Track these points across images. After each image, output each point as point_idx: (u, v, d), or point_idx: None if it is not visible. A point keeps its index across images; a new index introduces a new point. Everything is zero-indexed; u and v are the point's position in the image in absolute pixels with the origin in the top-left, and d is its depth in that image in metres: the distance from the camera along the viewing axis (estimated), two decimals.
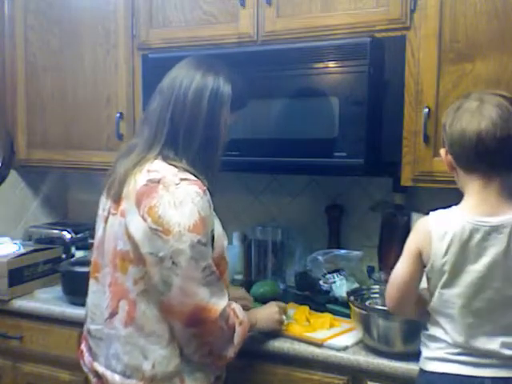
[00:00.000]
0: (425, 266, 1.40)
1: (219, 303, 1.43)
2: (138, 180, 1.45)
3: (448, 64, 1.75)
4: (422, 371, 1.43)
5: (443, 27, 1.74)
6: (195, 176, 1.46)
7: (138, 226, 1.42)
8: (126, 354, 1.47)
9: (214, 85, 1.49)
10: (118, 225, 1.47)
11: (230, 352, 1.49)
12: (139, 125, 1.60)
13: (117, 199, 1.49)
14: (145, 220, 1.41)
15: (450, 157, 1.42)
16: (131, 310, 1.46)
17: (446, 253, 1.35)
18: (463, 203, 1.40)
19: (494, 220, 1.33)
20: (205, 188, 1.45)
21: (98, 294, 1.55)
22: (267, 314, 1.73)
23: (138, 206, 1.42)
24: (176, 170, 1.45)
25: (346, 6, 1.87)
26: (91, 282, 1.60)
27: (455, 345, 1.36)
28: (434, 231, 1.37)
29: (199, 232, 1.40)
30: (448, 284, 1.37)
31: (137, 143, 1.55)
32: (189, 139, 1.48)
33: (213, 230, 1.48)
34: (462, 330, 1.36)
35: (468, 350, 1.35)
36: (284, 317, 1.76)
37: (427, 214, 1.90)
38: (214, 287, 1.43)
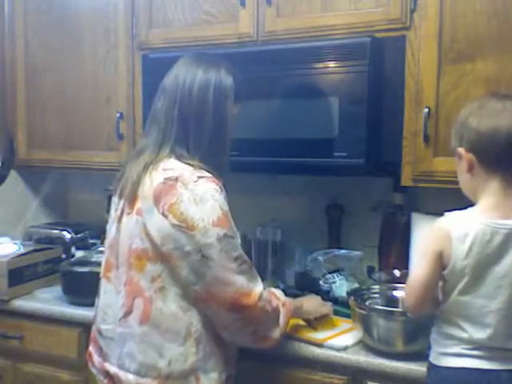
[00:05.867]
0: (444, 268, 1.37)
1: (257, 288, 1.46)
2: (154, 179, 1.45)
3: (448, 64, 1.75)
4: (435, 366, 1.41)
5: (443, 27, 1.74)
6: (210, 173, 1.47)
7: (158, 224, 1.42)
8: (140, 352, 1.46)
9: (217, 78, 1.51)
10: (134, 223, 1.47)
11: (276, 333, 1.53)
12: (146, 126, 1.60)
13: (132, 199, 1.49)
14: (165, 217, 1.41)
15: (471, 155, 1.37)
16: (146, 308, 1.46)
17: (468, 255, 1.33)
18: (480, 205, 1.37)
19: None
20: (220, 184, 1.47)
21: (111, 293, 1.55)
22: (311, 298, 1.80)
23: (156, 204, 1.42)
24: (191, 168, 1.46)
25: (346, 5, 1.87)
26: (103, 281, 1.59)
27: (472, 341, 1.35)
28: (454, 233, 1.34)
29: (224, 226, 1.42)
30: (468, 286, 1.35)
31: (146, 145, 1.55)
32: (199, 135, 1.49)
33: None
34: (480, 329, 1.34)
35: (485, 346, 1.34)
36: (330, 303, 1.81)
37: (427, 214, 1.92)
38: (249, 274, 1.46)
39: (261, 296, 1.47)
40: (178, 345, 1.45)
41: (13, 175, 2.60)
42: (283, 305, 1.56)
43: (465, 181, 1.43)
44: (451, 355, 1.38)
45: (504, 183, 1.35)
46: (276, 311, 1.52)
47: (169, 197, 1.41)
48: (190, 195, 1.41)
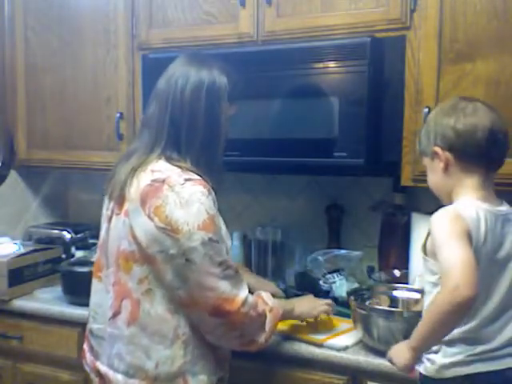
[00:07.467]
0: None
1: (240, 293, 1.44)
2: (142, 180, 1.44)
3: (448, 64, 1.75)
4: (433, 380, 1.37)
5: (443, 27, 1.74)
6: (199, 176, 1.45)
7: (143, 226, 1.41)
8: (128, 353, 1.47)
9: (210, 78, 1.49)
10: (121, 225, 1.47)
11: (262, 338, 1.51)
12: (139, 130, 1.60)
13: (120, 200, 1.48)
14: (151, 219, 1.40)
15: (448, 154, 1.39)
16: (134, 309, 1.45)
17: (485, 239, 1.32)
18: (469, 196, 1.37)
19: (502, 209, 1.37)
20: (209, 187, 1.44)
21: (101, 293, 1.55)
22: (304, 300, 1.77)
23: (142, 206, 1.42)
24: (180, 170, 1.44)
25: (346, 5, 1.87)
26: (94, 281, 1.60)
27: (475, 342, 1.32)
28: (469, 218, 1.31)
29: (209, 230, 1.40)
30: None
31: (137, 147, 1.54)
32: (191, 137, 1.47)
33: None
34: (480, 323, 1.32)
35: (487, 344, 1.32)
36: (326, 302, 1.78)
37: (427, 214, 1.91)
38: (233, 279, 1.44)
39: (244, 301, 1.44)
40: (166, 347, 1.44)
41: (13, 175, 2.60)
42: (270, 310, 1.53)
43: (438, 180, 1.43)
44: (455, 365, 1.34)
45: (483, 177, 1.38)
46: (262, 316, 1.50)
47: (155, 199, 1.40)
48: (176, 198, 1.39)
